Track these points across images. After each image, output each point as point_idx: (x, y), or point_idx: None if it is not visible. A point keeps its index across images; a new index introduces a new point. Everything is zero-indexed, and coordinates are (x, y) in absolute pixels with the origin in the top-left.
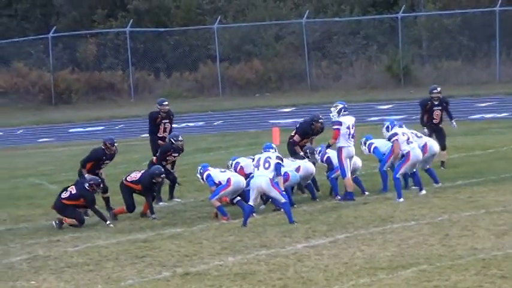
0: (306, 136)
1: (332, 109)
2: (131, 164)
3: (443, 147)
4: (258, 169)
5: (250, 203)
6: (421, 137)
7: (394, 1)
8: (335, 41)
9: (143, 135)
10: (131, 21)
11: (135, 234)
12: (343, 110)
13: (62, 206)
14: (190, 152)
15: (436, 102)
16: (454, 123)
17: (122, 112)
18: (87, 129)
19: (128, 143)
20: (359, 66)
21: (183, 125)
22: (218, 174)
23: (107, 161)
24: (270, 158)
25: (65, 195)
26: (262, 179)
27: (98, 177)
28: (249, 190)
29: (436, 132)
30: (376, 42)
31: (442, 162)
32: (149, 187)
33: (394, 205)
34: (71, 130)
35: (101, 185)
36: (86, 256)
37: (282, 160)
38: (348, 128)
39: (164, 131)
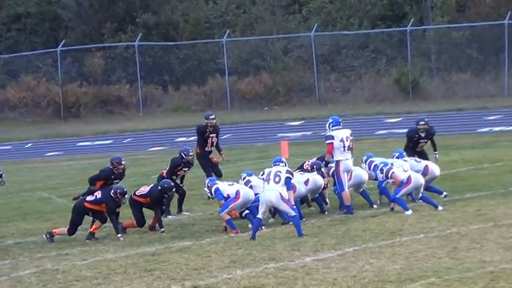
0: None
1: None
2: (139, 178)
3: None
4: (268, 183)
5: (259, 216)
6: (420, 161)
7: (402, 15)
8: (344, 55)
9: (151, 149)
10: (140, 35)
11: (144, 247)
12: (332, 125)
13: (81, 208)
14: (198, 165)
15: (423, 134)
16: (437, 156)
17: (130, 126)
18: (95, 143)
19: (136, 157)
20: (368, 80)
21: (192, 138)
22: (226, 188)
23: (116, 180)
24: (280, 172)
25: (90, 198)
26: (272, 193)
27: (123, 187)
28: (256, 206)
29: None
30: (384, 55)
31: None
32: (158, 201)
33: (402, 218)
34: (79, 144)
35: (126, 195)
36: (94, 270)
37: (292, 174)
38: (342, 140)
39: (212, 145)
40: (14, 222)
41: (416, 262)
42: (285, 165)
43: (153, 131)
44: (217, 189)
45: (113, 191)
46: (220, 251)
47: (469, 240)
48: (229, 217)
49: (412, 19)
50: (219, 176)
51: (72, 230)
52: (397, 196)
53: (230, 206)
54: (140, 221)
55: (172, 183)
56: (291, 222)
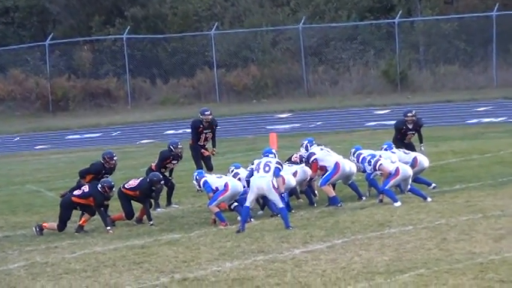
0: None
1: (301, 149)
2: (129, 171)
3: None
4: (258, 172)
5: (247, 204)
6: (408, 153)
7: (391, 6)
8: (332, 47)
9: (140, 142)
10: (128, 28)
11: (133, 240)
12: (310, 145)
13: (68, 203)
14: (187, 158)
15: (410, 126)
16: (423, 148)
17: (118, 119)
18: (84, 136)
19: (125, 150)
20: (356, 72)
21: (180, 131)
22: (215, 180)
23: (106, 175)
24: (270, 162)
25: (77, 192)
26: (263, 180)
27: (111, 181)
28: (245, 198)
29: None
30: (373, 47)
31: None
32: (147, 194)
33: (391, 210)
34: (68, 137)
35: (113, 189)
36: (83, 262)
37: (282, 165)
38: (322, 149)
39: (205, 140)
40: (2, 216)
41: (405, 253)
42: (275, 157)
43: (141, 124)
44: (206, 182)
45: (100, 185)
46: (209, 244)
47: (458, 231)
48: (218, 209)
49: (400, 11)
50: (210, 169)
51: (62, 226)
52: (386, 188)
53: (219, 199)
54: (129, 214)
55: (161, 176)
56: (279, 215)
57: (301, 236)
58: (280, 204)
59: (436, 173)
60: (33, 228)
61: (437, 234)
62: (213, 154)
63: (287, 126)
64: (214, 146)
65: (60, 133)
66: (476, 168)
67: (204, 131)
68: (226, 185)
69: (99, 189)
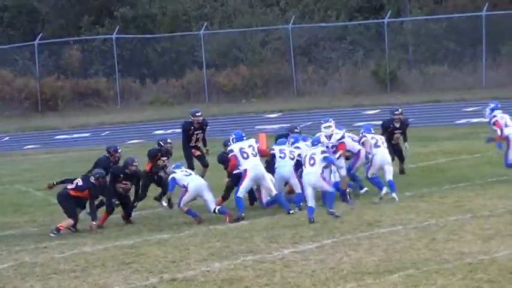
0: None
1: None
2: None
3: (402, 160)
4: (305, 167)
5: (310, 204)
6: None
7: (380, 7)
8: (321, 47)
9: (129, 142)
10: (117, 28)
11: (122, 240)
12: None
13: (65, 195)
14: (175, 158)
15: (397, 125)
16: (407, 146)
17: (108, 119)
18: (73, 136)
19: None
20: (345, 72)
21: (170, 131)
22: (182, 178)
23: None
24: (314, 154)
25: (70, 186)
26: (311, 176)
27: (103, 171)
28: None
29: (394, 150)
30: (362, 47)
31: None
32: (134, 183)
33: (380, 210)
34: (57, 137)
35: (106, 178)
36: (72, 263)
37: (326, 152)
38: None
39: (197, 140)
40: None
41: (394, 254)
42: (322, 146)
43: (131, 124)
44: (172, 179)
45: (92, 177)
46: (198, 244)
47: (447, 231)
48: (187, 208)
49: (390, 11)
50: (205, 166)
51: (73, 219)
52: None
53: (184, 200)
54: (110, 205)
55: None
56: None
57: (291, 236)
58: (330, 189)
59: (425, 173)
60: (51, 234)
61: (426, 235)
62: (207, 154)
63: (276, 126)
64: (205, 145)
65: (49, 133)
66: (465, 168)
67: (195, 132)
68: (186, 186)
69: (93, 181)
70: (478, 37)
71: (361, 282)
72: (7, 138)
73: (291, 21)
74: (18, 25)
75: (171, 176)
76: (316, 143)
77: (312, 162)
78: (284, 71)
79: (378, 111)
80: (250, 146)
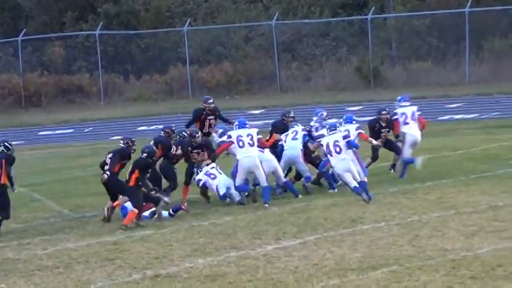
0: (284, 133)
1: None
2: None
3: (399, 152)
4: (331, 155)
5: (354, 185)
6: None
7: (363, 3)
8: (305, 43)
9: (113, 138)
10: (101, 24)
11: (105, 236)
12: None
13: (116, 179)
14: None
15: (384, 124)
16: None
17: (91, 115)
18: (56, 132)
19: (98, 146)
20: (329, 68)
21: (153, 127)
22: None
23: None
24: (338, 141)
25: (107, 167)
26: (344, 162)
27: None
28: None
29: (386, 145)
30: (345, 43)
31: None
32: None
33: (364, 206)
34: (40, 133)
35: (135, 142)
36: (55, 259)
37: (348, 136)
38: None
39: (210, 126)
40: None
41: (377, 250)
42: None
43: (114, 120)
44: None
45: (123, 143)
46: (181, 240)
47: (430, 228)
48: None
49: (373, 7)
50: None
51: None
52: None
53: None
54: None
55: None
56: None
57: (274, 233)
58: (362, 174)
59: (408, 169)
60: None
61: (409, 231)
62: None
63: (260, 122)
64: (229, 122)
65: (32, 129)
66: (448, 164)
67: (208, 118)
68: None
69: (123, 144)
70: (461, 33)
71: (344, 279)
72: None
73: (275, 18)
74: (1, 21)
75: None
76: (333, 128)
77: (338, 149)
78: (267, 68)
79: (361, 107)
80: (249, 135)
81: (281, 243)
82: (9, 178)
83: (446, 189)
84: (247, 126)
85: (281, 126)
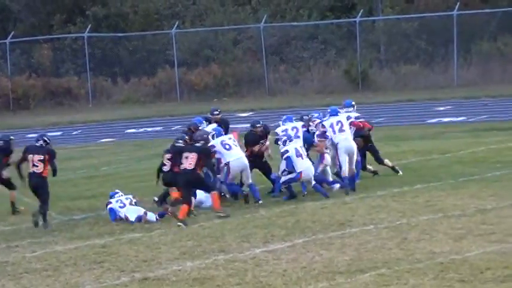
0: (255, 144)
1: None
2: (90, 170)
3: (380, 162)
4: (335, 133)
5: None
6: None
7: (352, 6)
8: (293, 46)
9: (101, 141)
10: (89, 26)
11: (93, 239)
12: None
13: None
14: (148, 157)
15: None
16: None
17: (80, 117)
18: None
19: (87, 149)
20: (317, 71)
21: (141, 130)
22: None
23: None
24: (341, 121)
25: (166, 168)
26: (347, 142)
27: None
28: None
29: (369, 150)
30: (334, 46)
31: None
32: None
33: (352, 209)
34: (28, 135)
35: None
36: (44, 262)
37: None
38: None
39: None
40: None
41: (366, 253)
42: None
43: (103, 123)
44: (110, 209)
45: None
46: (170, 243)
47: (418, 231)
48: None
49: (362, 10)
50: None
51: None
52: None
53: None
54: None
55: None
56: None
57: (262, 236)
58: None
59: (396, 173)
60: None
61: (398, 234)
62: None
63: (248, 125)
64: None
65: (21, 132)
66: (436, 168)
67: None
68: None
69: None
70: (450, 36)
71: (333, 282)
72: None
73: (263, 20)
74: None
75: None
76: (334, 113)
77: (342, 128)
78: (256, 70)
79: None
80: (230, 138)
81: (269, 246)
82: (54, 171)
83: (434, 193)
84: (222, 134)
85: (252, 138)
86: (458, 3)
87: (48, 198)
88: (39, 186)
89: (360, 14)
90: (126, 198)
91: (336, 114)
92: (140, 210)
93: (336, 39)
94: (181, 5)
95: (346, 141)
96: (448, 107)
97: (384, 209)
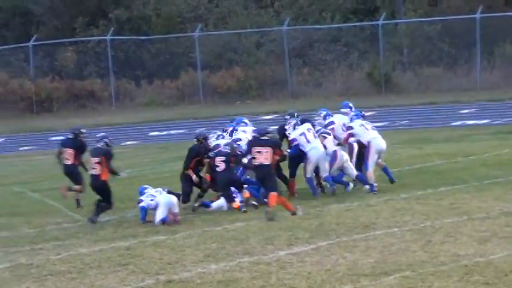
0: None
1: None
2: None
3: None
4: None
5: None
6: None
7: (374, 8)
8: (316, 48)
9: (125, 143)
10: (112, 29)
11: (118, 241)
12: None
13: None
14: (172, 159)
15: None
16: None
17: (103, 120)
18: (68, 137)
19: None
20: (340, 74)
21: (165, 132)
22: (149, 202)
23: (205, 156)
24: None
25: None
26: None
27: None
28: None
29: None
30: (357, 49)
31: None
32: None
33: (376, 212)
34: (52, 138)
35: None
36: (68, 264)
37: None
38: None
39: None
40: None
41: (390, 256)
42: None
43: (126, 125)
44: (141, 208)
45: (196, 140)
46: (194, 245)
47: (443, 233)
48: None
49: (384, 13)
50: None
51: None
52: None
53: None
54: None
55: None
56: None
57: (286, 238)
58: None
59: (421, 175)
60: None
61: (422, 237)
62: None
63: (271, 128)
64: None
65: (44, 134)
66: (461, 170)
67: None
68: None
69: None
70: (473, 39)
71: (357, 284)
72: (2, 139)
73: (286, 23)
74: (13, 27)
75: (140, 205)
76: (359, 116)
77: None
78: (279, 73)
79: (372, 113)
80: (157, 190)
81: (293, 248)
82: (113, 172)
83: (459, 195)
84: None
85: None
86: (481, 6)
87: (110, 199)
88: (97, 188)
89: (382, 16)
90: (156, 191)
91: (362, 117)
92: (172, 199)
93: (358, 41)
94: (204, 8)
95: (378, 139)
96: (472, 109)
97: (408, 212)
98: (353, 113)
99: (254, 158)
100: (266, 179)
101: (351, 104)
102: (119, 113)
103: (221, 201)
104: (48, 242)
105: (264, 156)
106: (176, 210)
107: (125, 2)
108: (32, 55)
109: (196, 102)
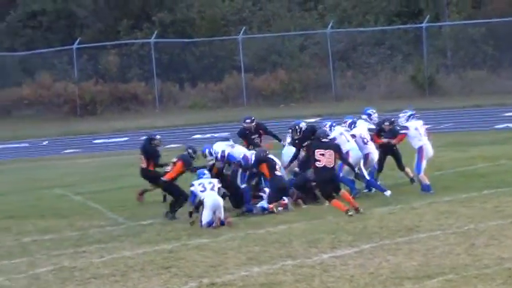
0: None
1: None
2: None
3: (402, 168)
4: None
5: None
6: (367, 143)
7: (418, 11)
8: (360, 51)
9: (168, 146)
10: (156, 32)
11: (161, 244)
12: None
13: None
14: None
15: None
16: None
17: (146, 123)
18: (111, 140)
19: None
20: (384, 76)
21: (208, 135)
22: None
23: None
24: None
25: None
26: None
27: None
28: None
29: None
30: (400, 52)
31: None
32: None
33: (419, 215)
34: (95, 141)
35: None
36: (111, 267)
37: None
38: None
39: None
40: (30, 220)
41: (433, 259)
42: None
43: (169, 128)
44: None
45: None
46: (237, 248)
47: (486, 236)
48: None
49: (428, 15)
50: None
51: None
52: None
53: (203, 215)
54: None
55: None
56: None
57: (329, 241)
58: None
59: (464, 178)
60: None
61: (465, 240)
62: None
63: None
64: (276, 138)
65: (87, 137)
66: (505, 173)
67: (252, 137)
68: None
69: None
70: None
71: (401, 287)
72: (46, 142)
73: (330, 26)
74: (57, 29)
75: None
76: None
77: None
78: (323, 76)
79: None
80: (210, 182)
81: (337, 251)
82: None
83: (503, 198)
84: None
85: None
86: None
87: (179, 197)
88: (165, 190)
89: (426, 19)
90: (209, 183)
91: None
92: (218, 201)
93: (402, 44)
94: (248, 11)
95: (429, 146)
96: None
97: (452, 215)
98: (409, 113)
99: (316, 160)
100: (329, 181)
101: (369, 111)
102: (162, 115)
103: (262, 202)
104: (91, 245)
105: (327, 158)
106: (221, 213)
107: (168, 5)
108: (76, 58)
109: (240, 105)
